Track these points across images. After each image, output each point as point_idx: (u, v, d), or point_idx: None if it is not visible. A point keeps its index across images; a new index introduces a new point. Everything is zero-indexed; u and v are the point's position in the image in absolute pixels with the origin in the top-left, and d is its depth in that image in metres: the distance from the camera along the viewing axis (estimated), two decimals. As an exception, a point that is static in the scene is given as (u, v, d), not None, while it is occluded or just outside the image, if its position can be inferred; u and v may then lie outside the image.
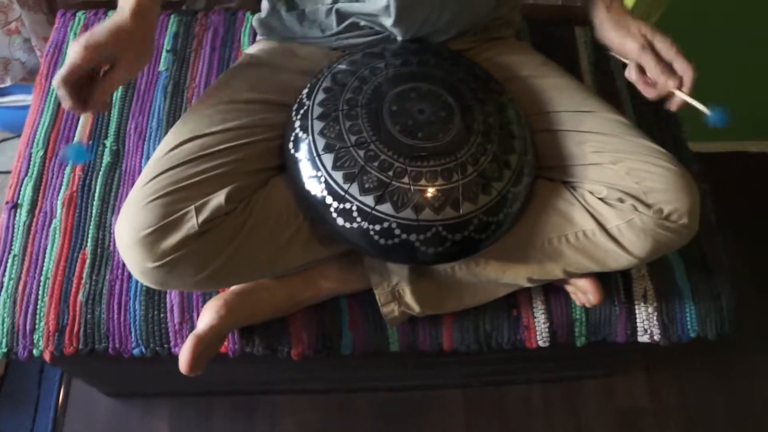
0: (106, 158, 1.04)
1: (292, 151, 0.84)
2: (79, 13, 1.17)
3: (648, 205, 0.83)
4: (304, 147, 0.83)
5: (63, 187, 1.01)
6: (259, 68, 0.94)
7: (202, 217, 0.77)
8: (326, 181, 0.81)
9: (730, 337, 1.04)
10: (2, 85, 1.34)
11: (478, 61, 0.97)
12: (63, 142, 1.05)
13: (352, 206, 0.80)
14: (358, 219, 0.80)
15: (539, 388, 1.42)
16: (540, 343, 1.00)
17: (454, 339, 0.99)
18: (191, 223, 0.77)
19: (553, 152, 0.90)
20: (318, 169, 0.81)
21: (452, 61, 0.91)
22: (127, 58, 0.75)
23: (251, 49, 1.00)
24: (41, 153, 1.03)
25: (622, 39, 0.88)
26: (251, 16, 1.18)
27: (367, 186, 0.80)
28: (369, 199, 0.80)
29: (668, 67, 0.84)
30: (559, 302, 1.00)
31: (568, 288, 0.98)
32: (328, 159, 0.81)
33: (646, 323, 1.01)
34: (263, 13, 0.98)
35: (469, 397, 1.39)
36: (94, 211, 0.99)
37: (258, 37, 1.02)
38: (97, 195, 1.00)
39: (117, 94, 1.09)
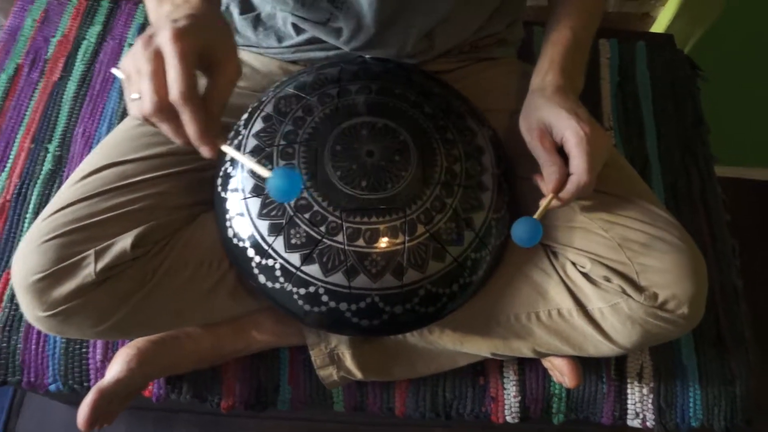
0: (47, 165, 0.94)
1: (219, 188, 0.72)
2: (41, -3, 1.07)
3: (640, 289, 0.68)
4: (231, 185, 0.71)
5: (-4, 195, 0.92)
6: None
7: (101, 264, 0.66)
8: (250, 231, 0.68)
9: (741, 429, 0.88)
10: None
11: (462, 87, 0.81)
12: (3, 143, 0.96)
13: (275, 264, 0.68)
14: (281, 279, 0.68)
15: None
16: (508, 418, 0.86)
17: (408, 405, 0.86)
18: (88, 270, 0.66)
19: (536, 206, 0.75)
20: (242, 215, 0.69)
21: (422, 89, 0.76)
22: (227, 47, 0.57)
23: (204, 54, 0.87)
24: (-22, 155, 0.95)
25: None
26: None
27: (293, 241, 0.67)
28: (295, 258, 0.67)
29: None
30: (535, 373, 0.86)
31: (545, 363, 0.84)
32: (254, 204, 0.69)
33: (639, 406, 0.86)
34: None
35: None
36: (26, 226, 0.90)
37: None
38: (31, 207, 0.91)
39: (69, 94, 0.99)
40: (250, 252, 0.69)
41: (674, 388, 0.86)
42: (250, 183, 0.69)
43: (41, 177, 0.93)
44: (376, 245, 0.67)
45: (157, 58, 0.53)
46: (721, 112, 1.10)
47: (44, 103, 0.98)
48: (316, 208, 0.67)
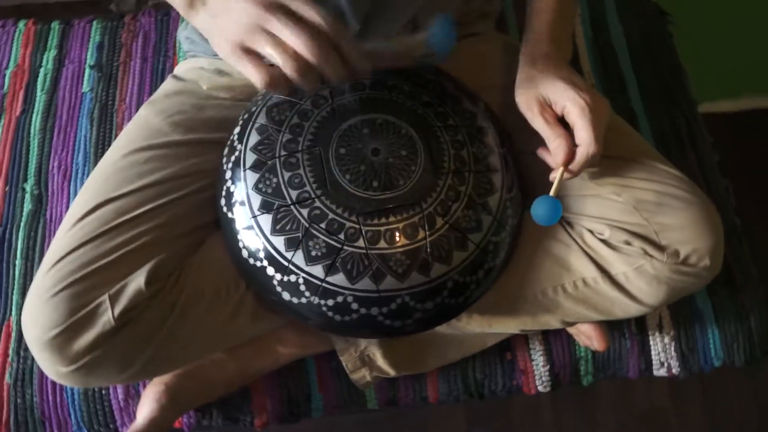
0: (27, 206, 0.89)
1: (225, 209, 0.70)
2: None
3: (661, 248, 0.68)
4: (237, 204, 0.69)
5: (-23, 246, 0.87)
6: (183, 97, 0.78)
7: (118, 309, 0.64)
8: (265, 248, 0.66)
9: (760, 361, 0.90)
10: None
11: (449, 67, 0.79)
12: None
13: (298, 279, 0.66)
14: (307, 293, 0.66)
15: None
16: (540, 388, 0.87)
17: (441, 391, 0.86)
18: (106, 317, 0.63)
19: (543, 179, 0.74)
20: (255, 234, 0.67)
21: (414, 78, 0.74)
22: None
23: (178, 69, 0.84)
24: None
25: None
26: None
27: (314, 253, 0.65)
28: (317, 270, 0.65)
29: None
30: (560, 340, 0.87)
31: (570, 330, 0.84)
32: (265, 221, 0.66)
33: (663, 355, 0.88)
34: (185, 24, 0.82)
35: (471, 407, 1.28)
36: (17, 273, 0.86)
37: (185, 54, 0.85)
38: (19, 252, 0.87)
39: (35, 127, 0.94)
40: (270, 270, 0.67)
41: (693, 333, 0.88)
42: (257, 199, 0.67)
43: (23, 219, 0.89)
44: (398, 245, 0.66)
45: (280, 8, 0.54)
46: (688, 51, 1.11)
47: (11, 141, 0.93)
48: (331, 216, 0.66)
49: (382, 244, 0.66)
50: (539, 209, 0.65)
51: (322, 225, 0.65)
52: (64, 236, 0.68)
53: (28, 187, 0.91)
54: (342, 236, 0.65)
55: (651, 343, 0.87)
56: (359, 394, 0.85)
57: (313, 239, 0.65)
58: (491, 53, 0.82)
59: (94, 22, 1.01)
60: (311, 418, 0.86)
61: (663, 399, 1.30)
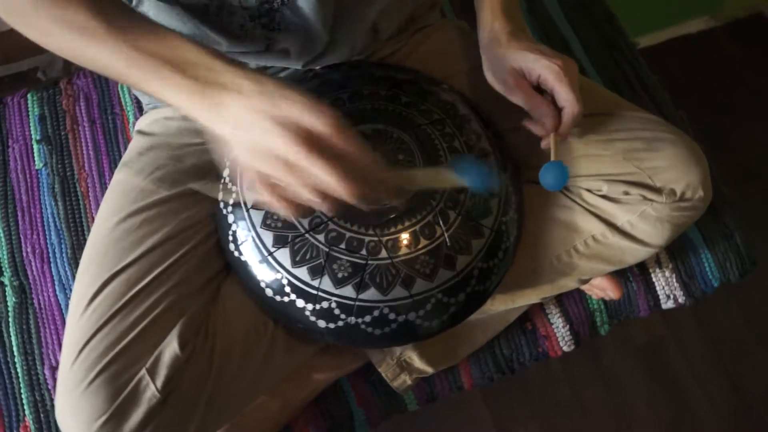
0: (11, 299, 0.85)
1: (236, 253, 0.68)
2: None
3: (657, 190, 0.72)
4: (249, 246, 0.67)
5: (-29, 352, 0.82)
6: (158, 151, 0.75)
7: (160, 380, 0.62)
8: (290, 283, 0.66)
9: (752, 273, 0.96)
10: None
11: (412, 63, 0.81)
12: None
13: (330, 304, 0.66)
14: (343, 316, 0.66)
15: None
16: (564, 348, 0.90)
17: (474, 375, 0.88)
18: (150, 392, 0.61)
19: (531, 151, 0.76)
20: (275, 270, 0.66)
21: (388, 81, 0.75)
22: None
23: (141, 123, 0.81)
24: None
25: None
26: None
27: (340, 275, 0.65)
28: (348, 290, 0.65)
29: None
30: (572, 298, 0.90)
31: (583, 287, 0.87)
32: (283, 255, 0.66)
33: (667, 289, 0.92)
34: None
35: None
36: (19, 370, 0.81)
37: (145, 107, 0.82)
38: (15, 349, 0.82)
39: (-6, 217, 0.89)
40: (300, 302, 0.66)
41: (690, 261, 0.92)
42: (269, 235, 0.66)
43: (11, 313, 0.84)
44: (419, 247, 0.66)
45: (318, 142, 0.49)
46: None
47: (-26, 237, 0.88)
48: (349, 235, 0.65)
49: (404, 249, 0.66)
50: (548, 176, 0.67)
51: (342, 245, 0.65)
52: (78, 323, 0.65)
53: (6, 280, 0.86)
54: (364, 252, 0.65)
55: (654, 280, 0.92)
56: (398, 399, 0.85)
57: (337, 262, 0.65)
58: (449, 41, 0.83)
59: (29, 95, 0.96)
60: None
61: (659, 330, 1.36)
